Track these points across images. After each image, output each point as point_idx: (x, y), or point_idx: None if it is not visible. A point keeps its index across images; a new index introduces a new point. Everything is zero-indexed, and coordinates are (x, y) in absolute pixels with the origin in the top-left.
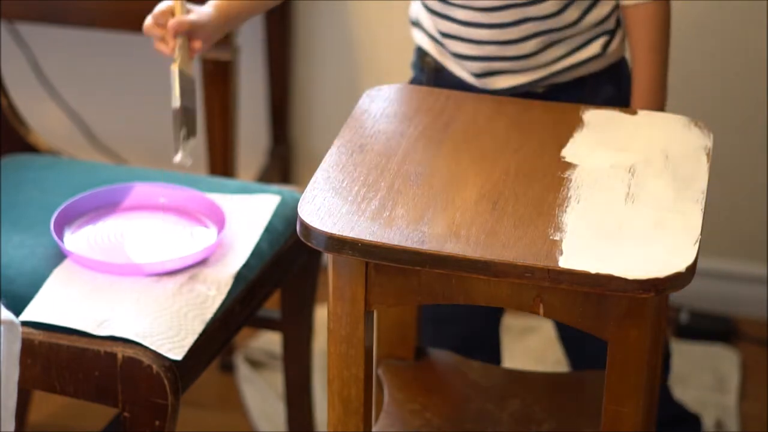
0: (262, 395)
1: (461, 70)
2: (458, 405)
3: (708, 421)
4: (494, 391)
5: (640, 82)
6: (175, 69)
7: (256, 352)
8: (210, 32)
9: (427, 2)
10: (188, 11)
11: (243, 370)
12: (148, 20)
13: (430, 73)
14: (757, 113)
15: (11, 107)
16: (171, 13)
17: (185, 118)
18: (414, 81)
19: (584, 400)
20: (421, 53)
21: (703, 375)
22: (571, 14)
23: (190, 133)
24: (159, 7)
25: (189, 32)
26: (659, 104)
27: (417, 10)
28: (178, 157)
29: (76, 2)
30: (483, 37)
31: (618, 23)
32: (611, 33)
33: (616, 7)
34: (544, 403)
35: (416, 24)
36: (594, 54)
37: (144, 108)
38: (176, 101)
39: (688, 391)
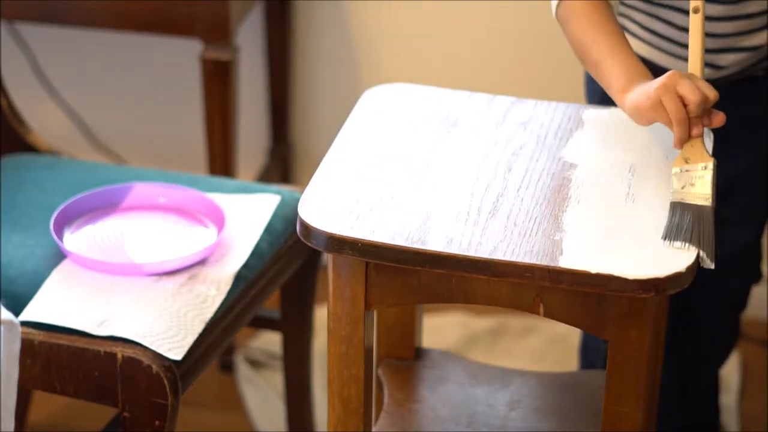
0: (262, 395)
1: (671, 61)
2: (458, 405)
3: None
4: (494, 391)
5: None
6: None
7: (256, 352)
8: None
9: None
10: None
11: (243, 370)
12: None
13: None
14: None
15: (11, 107)
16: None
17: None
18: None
19: (584, 400)
20: None
21: None
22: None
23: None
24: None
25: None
26: None
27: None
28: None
29: (76, 2)
30: (727, 30)
31: None
32: None
33: None
34: (544, 403)
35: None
36: (760, 43)
37: (144, 108)
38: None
39: None
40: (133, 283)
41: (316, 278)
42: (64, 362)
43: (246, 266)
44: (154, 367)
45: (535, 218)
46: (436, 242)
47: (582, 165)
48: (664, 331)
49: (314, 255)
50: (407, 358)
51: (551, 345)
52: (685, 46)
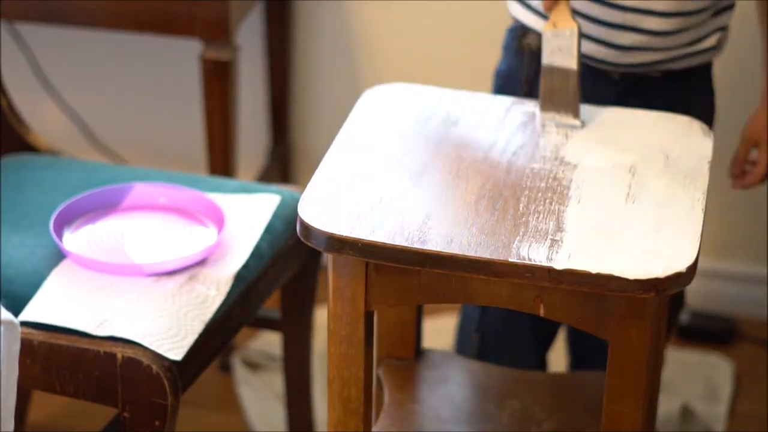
0: (260, 397)
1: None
2: (458, 405)
3: (696, 429)
4: (494, 391)
5: None
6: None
7: (254, 353)
8: None
9: None
10: None
11: (240, 372)
12: None
13: (530, 55)
14: None
15: (11, 107)
16: None
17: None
18: (505, 72)
19: (584, 400)
20: (518, 33)
21: (696, 384)
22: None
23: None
24: None
25: None
26: None
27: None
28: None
29: (76, 2)
30: (627, 3)
31: (728, 23)
32: (725, 30)
33: (731, 7)
34: (544, 403)
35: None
36: (711, 46)
37: (144, 108)
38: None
39: (677, 399)
40: (133, 283)
41: (317, 278)
42: (64, 362)
43: (246, 266)
44: (154, 367)
45: (536, 218)
46: (436, 242)
47: (582, 165)
48: (665, 331)
49: (314, 255)
50: (407, 358)
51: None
52: None
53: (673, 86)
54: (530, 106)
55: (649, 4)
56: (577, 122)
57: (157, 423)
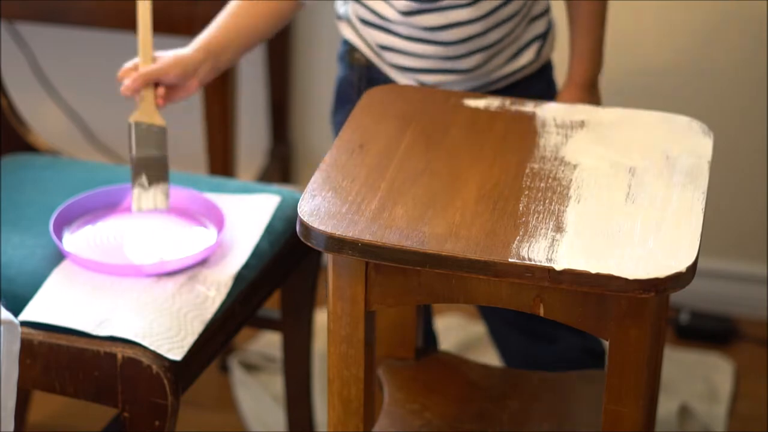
0: (258, 399)
1: (397, 75)
2: (458, 405)
3: (695, 429)
4: (494, 391)
5: (585, 46)
6: (131, 122)
7: (253, 355)
8: (181, 74)
9: (361, 14)
10: (154, 60)
11: (237, 374)
12: (120, 75)
13: (360, 70)
14: (757, 113)
15: (11, 107)
16: (135, 68)
17: (145, 166)
18: (342, 79)
19: (584, 400)
20: (349, 48)
21: (695, 384)
22: (506, 27)
23: (159, 179)
24: (125, 66)
25: (156, 81)
26: (600, 66)
27: (344, 5)
28: (133, 207)
29: (76, 2)
30: (428, 52)
31: (549, 26)
32: (544, 37)
33: (547, 11)
34: (544, 403)
35: (344, 19)
36: (529, 61)
37: None
38: (132, 151)
39: (677, 399)
40: (133, 284)
41: (317, 278)
42: (64, 362)
43: (246, 267)
44: (154, 367)
45: (536, 218)
46: (436, 242)
47: (582, 165)
48: (665, 331)
49: (314, 255)
50: (407, 358)
51: None
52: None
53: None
54: (530, 107)
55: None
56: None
57: (156, 423)
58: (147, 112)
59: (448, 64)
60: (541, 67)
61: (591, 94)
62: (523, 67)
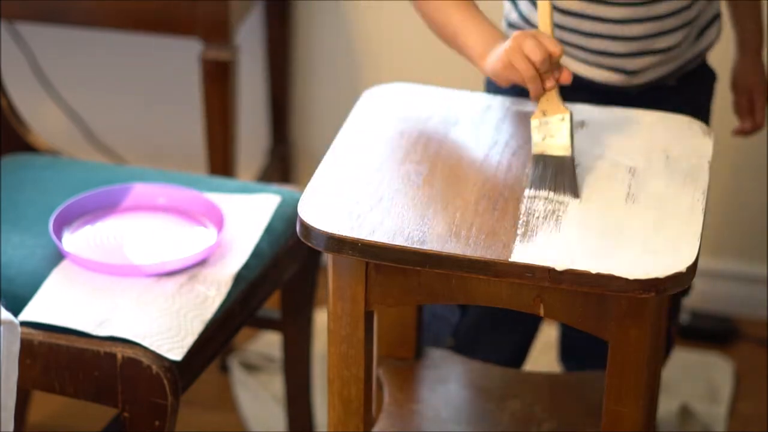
0: (257, 399)
1: (584, 68)
2: (458, 405)
3: (695, 429)
4: (494, 391)
5: (754, 26)
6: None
7: (252, 355)
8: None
9: (561, 3)
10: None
11: (237, 374)
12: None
13: None
14: None
15: (11, 107)
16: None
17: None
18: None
19: (584, 400)
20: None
21: (696, 384)
22: None
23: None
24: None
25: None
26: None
27: (525, 10)
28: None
29: (76, 2)
30: (637, 32)
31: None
32: (719, 18)
33: None
34: (544, 403)
35: (523, 25)
36: (712, 40)
37: (144, 108)
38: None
39: (677, 399)
40: (133, 284)
41: (317, 278)
42: (63, 362)
43: (246, 267)
44: (154, 367)
45: (536, 218)
46: (436, 242)
47: (582, 165)
48: (665, 331)
49: (314, 255)
50: (407, 358)
51: (550, 345)
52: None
53: (690, 87)
54: (530, 106)
55: (661, 25)
56: (576, 200)
57: (156, 423)
58: (555, 102)
59: (657, 43)
60: (707, 66)
61: (762, 61)
62: (708, 47)
